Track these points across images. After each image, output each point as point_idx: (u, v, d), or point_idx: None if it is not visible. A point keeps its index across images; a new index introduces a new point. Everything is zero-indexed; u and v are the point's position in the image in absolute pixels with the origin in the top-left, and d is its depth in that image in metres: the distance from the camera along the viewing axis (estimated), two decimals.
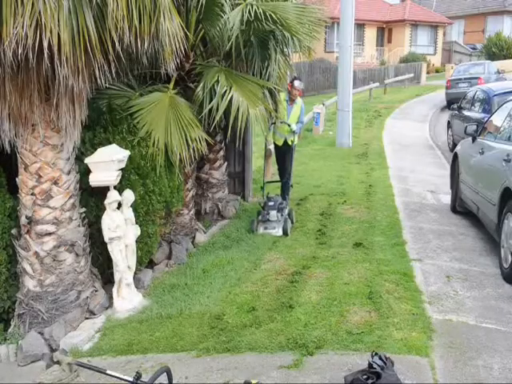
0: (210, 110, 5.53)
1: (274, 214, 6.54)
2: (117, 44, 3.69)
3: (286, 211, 6.82)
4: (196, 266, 5.52)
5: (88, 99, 4.43)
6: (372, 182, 8.88)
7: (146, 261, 5.35)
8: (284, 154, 7.62)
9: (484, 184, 5.73)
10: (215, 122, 5.52)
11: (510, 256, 4.70)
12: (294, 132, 7.38)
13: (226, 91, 5.48)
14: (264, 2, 5.82)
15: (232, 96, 5.47)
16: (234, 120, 5.47)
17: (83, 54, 3.62)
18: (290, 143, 7.57)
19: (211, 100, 5.53)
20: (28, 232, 4.40)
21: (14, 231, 4.51)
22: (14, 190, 4.53)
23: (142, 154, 5.07)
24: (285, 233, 6.39)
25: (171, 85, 5.66)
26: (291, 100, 7.35)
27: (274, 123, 7.23)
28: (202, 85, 5.58)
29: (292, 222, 6.76)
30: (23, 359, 4.24)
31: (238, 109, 5.44)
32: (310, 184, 8.84)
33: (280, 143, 7.67)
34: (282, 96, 7.20)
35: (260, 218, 6.65)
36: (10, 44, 3.31)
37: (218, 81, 5.54)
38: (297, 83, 7.31)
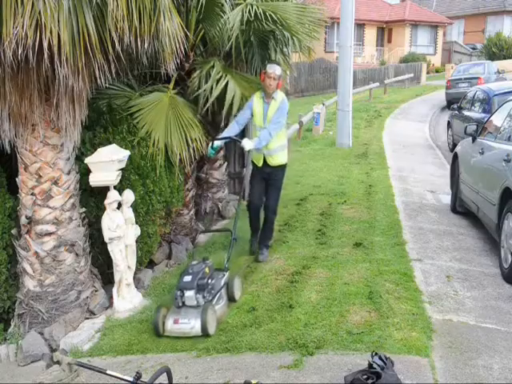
0: (207, 102, 5.53)
1: (190, 295, 4.10)
2: (117, 44, 3.69)
3: (221, 282, 4.47)
4: None
5: (88, 99, 4.44)
6: (372, 181, 8.88)
7: (146, 261, 5.35)
8: (264, 180, 5.35)
9: (484, 184, 5.73)
10: (208, 105, 5.47)
11: (510, 256, 4.70)
12: (248, 152, 5.23)
13: (221, 77, 5.48)
14: (264, 1, 5.83)
15: (234, 94, 5.48)
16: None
17: (83, 54, 3.62)
18: (273, 164, 5.29)
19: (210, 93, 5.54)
20: (28, 232, 4.40)
21: (14, 231, 4.51)
22: (14, 190, 4.53)
23: (142, 154, 5.07)
24: (203, 330, 3.98)
25: (171, 85, 5.66)
26: (267, 96, 5.17)
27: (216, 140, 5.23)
28: (197, 72, 5.58)
29: (233, 298, 4.51)
30: (23, 359, 4.24)
31: (238, 108, 5.46)
32: (309, 184, 8.83)
33: (259, 163, 5.32)
34: (256, 95, 5.25)
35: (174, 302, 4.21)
36: (10, 44, 3.31)
37: (220, 78, 5.55)
38: (270, 68, 5.06)
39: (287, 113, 5.32)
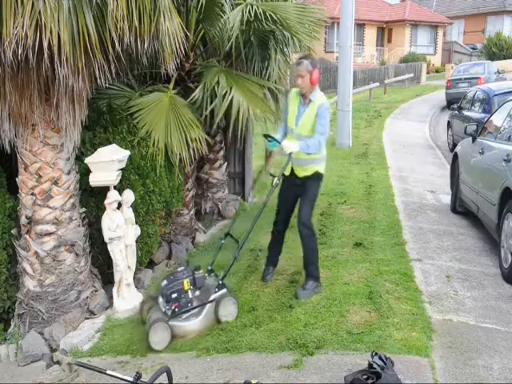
0: (211, 112, 5.54)
1: (161, 302, 4.15)
2: (117, 44, 3.69)
3: (209, 297, 4.18)
4: None
5: (88, 99, 4.44)
6: (372, 182, 8.88)
7: (146, 261, 5.35)
8: (292, 192, 4.63)
9: (484, 184, 5.73)
10: (215, 123, 5.50)
11: (510, 256, 4.70)
12: (290, 155, 4.32)
13: (226, 92, 5.49)
14: (264, 1, 5.82)
15: (233, 97, 5.47)
16: (235, 121, 5.47)
17: (83, 54, 3.62)
18: (301, 176, 4.54)
19: (211, 101, 5.53)
20: (28, 232, 4.40)
21: (14, 231, 4.51)
22: (14, 190, 4.53)
23: (142, 154, 5.07)
24: (146, 341, 3.97)
25: (171, 85, 5.66)
26: (304, 97, 4.44)
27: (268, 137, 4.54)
28: (201, 86, 5.58)
29: (218, 319, 4.17)
30: (23, 359, 4.24)
31: (238, 110, 5.45)
32: None
33: (286, 172, 4.57)
34: (293, 92, 4.56)
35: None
36: (10, 44, 3.31)
37: (218, 82, 5.54)
38: (295, 67, 4.45)
39: (330, 120, 4.54)
